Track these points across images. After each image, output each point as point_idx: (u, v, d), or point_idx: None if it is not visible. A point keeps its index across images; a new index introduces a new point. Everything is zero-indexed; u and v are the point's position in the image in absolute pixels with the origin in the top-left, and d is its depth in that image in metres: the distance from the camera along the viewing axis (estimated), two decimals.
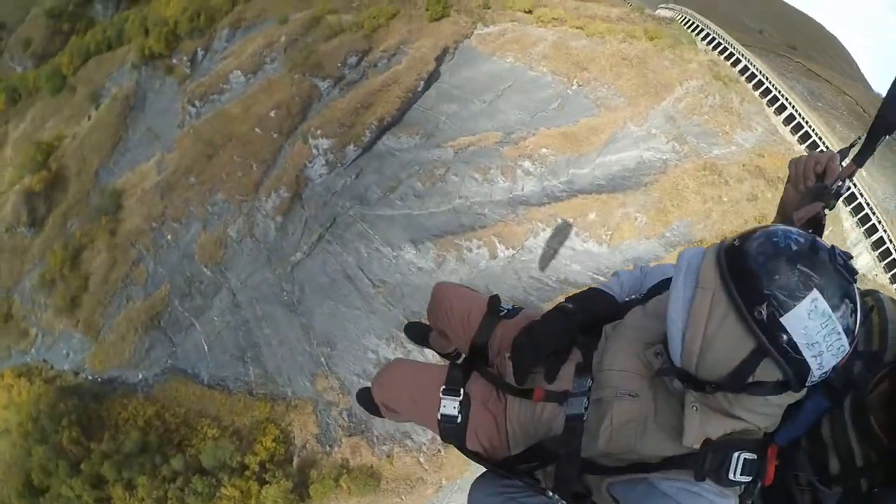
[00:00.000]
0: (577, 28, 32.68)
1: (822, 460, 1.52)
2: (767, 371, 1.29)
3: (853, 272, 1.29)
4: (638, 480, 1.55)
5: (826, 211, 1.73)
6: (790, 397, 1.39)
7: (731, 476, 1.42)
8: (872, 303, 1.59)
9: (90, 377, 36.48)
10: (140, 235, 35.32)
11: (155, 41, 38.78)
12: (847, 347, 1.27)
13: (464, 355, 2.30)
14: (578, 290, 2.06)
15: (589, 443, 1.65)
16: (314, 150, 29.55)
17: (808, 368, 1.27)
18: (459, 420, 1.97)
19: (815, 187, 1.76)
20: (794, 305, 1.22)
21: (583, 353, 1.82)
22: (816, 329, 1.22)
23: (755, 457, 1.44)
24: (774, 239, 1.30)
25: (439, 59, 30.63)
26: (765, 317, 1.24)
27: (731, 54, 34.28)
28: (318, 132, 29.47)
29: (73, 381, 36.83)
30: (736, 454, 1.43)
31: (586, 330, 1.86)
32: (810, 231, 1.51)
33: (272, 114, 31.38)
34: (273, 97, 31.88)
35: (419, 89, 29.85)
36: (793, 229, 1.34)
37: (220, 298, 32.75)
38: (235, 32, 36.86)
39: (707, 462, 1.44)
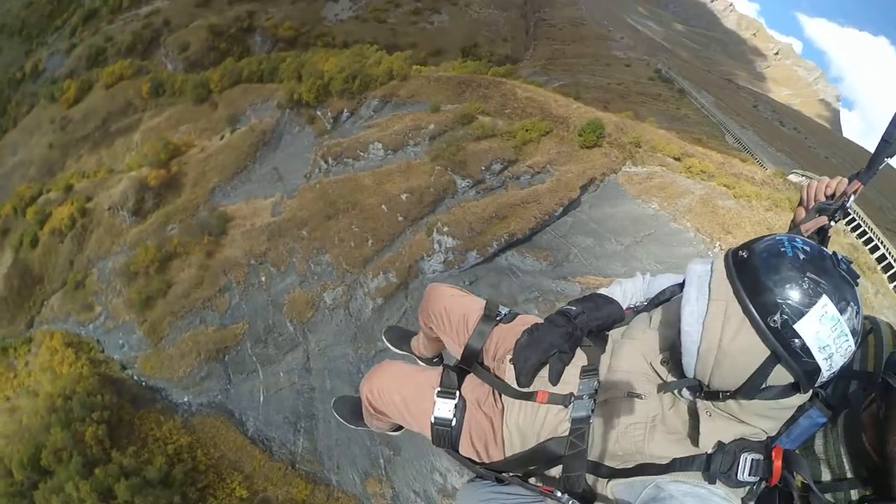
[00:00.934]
0: (725, 186, 31.69)
1: (814, 473, 1.54)
2: (780, 375, 1.37)
3: (855, 276, 1.38)
4: (644, 482, 1.55)
5: (832, 224, 1.82)
6: (798, 399, 1.46)
7: (739, 476, 1.47)
8: (870, 325, 1.64)
9: (136, 377, 35.79)
10: (235, 267, 35.44)
11: (306, 90, 40.46)
12: (853, 347, 1.35)
13: (455, 359, 2.22)
14: (589, 294, 2.04)
15: (595, 444, 1.67)
16: (436, 246, 29.20)
17: (819, 370, 1.35)
18: (454, 423, 1.97)
19: (820, 204, 1.86)
20: (807, 312, 1.31)
21: (588, 356, 1.86)
22: (827, 333, 1.31)
23: (761, 457, 1.49)
24: (782, 248, 1.39)
25: (583, 189, 30.21)
26: (779, 325, 1.32)
27: (870, 239, 32.62)
28: (445, 229, 29.20)
29: (118, 374, 36.12)
30: (744, 455, 1.48)
31: (590, 333, 1.89)
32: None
33: (403, 196, 31.50)
34: (408, 180, 32.15)
35: (557, 213, 29.33)
36: (797, 237, 1.43)
37: (293, 357, 31.93)
38: (385, 105, 38.00)
39: (717, 463, 1.49)
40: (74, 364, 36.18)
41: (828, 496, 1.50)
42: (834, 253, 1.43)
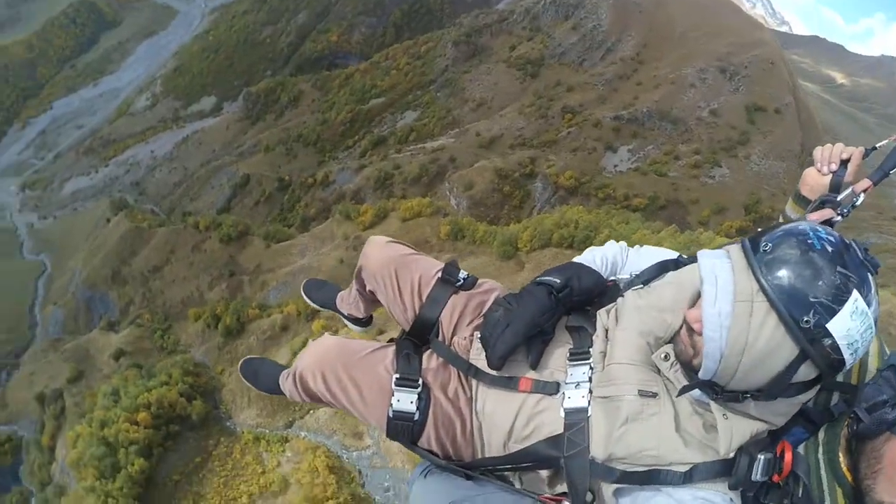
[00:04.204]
0: None
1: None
2: (805, 372, 1.28)
3: (876, 265, 1.30)
4: (649, 490, 1.43)
5: (839, 218, 1.71)
6: (813, 393, 1.40)
7: (754, 477, 1.38)
8: None
9: None
10: None
11: None
12: (875, 332, 1.28)
13: (402, 329, 1.97)
14: (564, 263, 1.81)
15: (597, 443, 1.49)
16: None
17: (844, 364, 1.26)
18: (417, 417, 1.69)
19: (825, 196, 1.76)
20: (839, 310, 1.21)
21: (573, 336, 1.66)
22: (857, 328, 1.22)
23: (772, 455, 1.40)
24: (809, 241, 1.26)
25: None
26: (812, 325, 1.21)
27: None
28: None
29: None
30: (761, 456, 1.39)
31: (573, 310, 1.71)
32: None
33: None
34: None
35: None
36: (819, 227, 1.31)
37: None
38: None
39: (742, 469, 1.38)
40: (335, 496, 32.44)
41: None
42: (854, 241, 1.30)
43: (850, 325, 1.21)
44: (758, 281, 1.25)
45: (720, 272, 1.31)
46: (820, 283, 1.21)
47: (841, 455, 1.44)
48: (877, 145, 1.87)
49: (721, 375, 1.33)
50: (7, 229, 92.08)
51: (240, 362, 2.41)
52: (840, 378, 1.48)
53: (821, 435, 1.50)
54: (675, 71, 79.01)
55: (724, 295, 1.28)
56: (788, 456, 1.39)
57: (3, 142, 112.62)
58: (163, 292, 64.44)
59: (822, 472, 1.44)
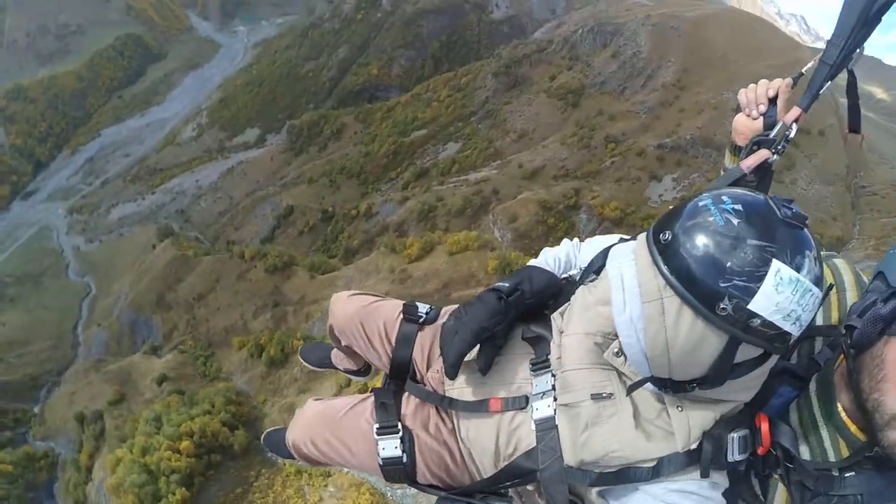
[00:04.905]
0: None
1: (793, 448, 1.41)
2: (747, 352, 1.20)
3: (803, 218, 1.18)
4: (629, 489, 1.43)
5: (775, 156, 1.65)
6: (774, 361, 1.29)
7: (730, 458, 1.35)
8: (830, 278, 1.48)
9: None
10: None
11: None
12: (820, 297, 1.17)
13: (384, 374, 2.02)
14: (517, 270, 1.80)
15: (567, 450, 1.49)
16: None
17: (789, 334, 1.16)
18: (405, 459, 1.75)
19: (757, 136, 1.67)
20: (758, 287, 1.10)
21: (533, 346, 1.66)
22: (787, 298, 1.11)
23: (748, 431, 1.37)
24: (710, 218, 1.15)
25: None
26: (730, 310, 1.12)
27: None
28: None
29: None
30: (731, 436, 1.35)
31: (528, 313, 1.69)
32: (756, 180, 1.61)
33: None
34: None
35: None
36: (723, 194, 1.19)
37: None
38: None
39: (707, 455, 1.35)
40: None
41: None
42: (772, 198, 1.20)
43: (777, 300, 1.10)
44: (662, 276, 1.16)
45: (625, 273, 1.24)
46: (729, 263, 1.10)
47: (840, 404, 1.33)
48: (803, 70, 1.71)
49: (657, 372, 1.27)
50: (54, 251, 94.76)
51: (262, 437, 2.50)
52: (819, 321, 1.41)
53: (812, 387, 1.40)
54: (717, 95, 77.80)
55: (631, 298, 1.21)
56: (765, 427, 1.35)
57: (53, 167, 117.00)
58: (207, 320, 64.91)
59: (821, 428, 1.37)
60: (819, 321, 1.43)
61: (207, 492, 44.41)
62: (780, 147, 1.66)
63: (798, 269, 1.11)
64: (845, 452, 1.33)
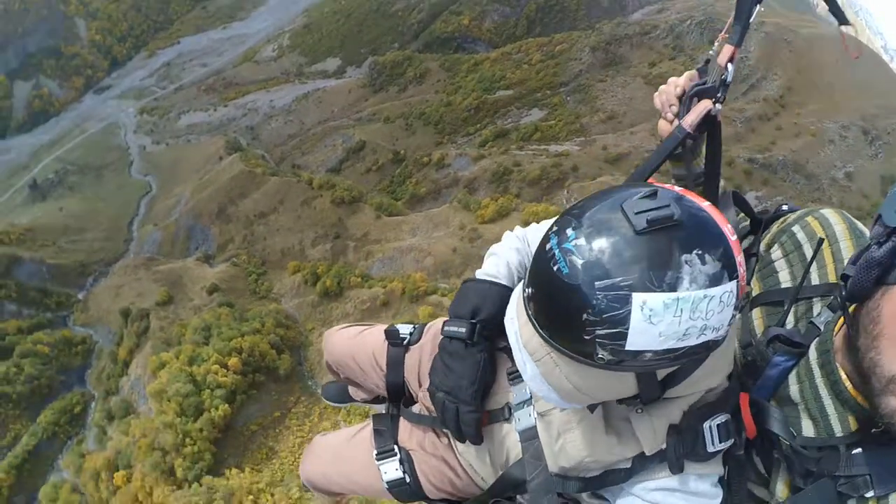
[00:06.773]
0: None
1: (793, 423, 1.28)
2: (669, 367, 1.09)
3: (667, 218, 0.97)
4: (616, 490, 1.40)
5: (718, 106, 1.51)
6: (720, 349, 1.09)
7: (710, 448, 1.24)
8: (820, 231, 1.35)
9: None
10: None
11: None
12: (728, 289, 0.98)
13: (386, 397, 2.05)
14: (461, 287, 1.66)
15: (550, 458, 1.47)
16: None
17: (706, 342, 1.00)
18: (409, 479, 1.78)
19: (695, 87, 1.53)
20: (626, 329, 0.96)
21: (508, 355, 1.58)
22: (672, 322, 0.95)
23: (728, 416, 1.26)
24: (554, 267, 1.00)
25: None
26: (608, 358, 1.00)
27: None
28: None
29: None
30: (706, 425, 1.24)
31: (494, 335, 1.59)
32: (705, 133, 1.53)
33: None
34: None
35: None
36: (568, 224, 1.03)
37: None
38: None
39: (677, 451, 1.25)
40: None
41: (812, 452, 1.21)
42: (621, 206, 0.99)
43: (658, 330, 0.95)
44: (538, 333, 1.10)
45: (512, 332, 1.19)
46: (584, 315, 0.97)
47: (843, 371, 1.17)
48: (709, 53, 1.59)
49: (585, 404, 1.24)
50: (119, 147, 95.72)
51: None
52: (815, 280, 1.30)
53: (812, 354, 1.25)
54: (818, 122, 72.32)
55: (524, 357, 1.16)
56: (745, 409, 1.27)
57: (129, 66, 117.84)
58: (265, 238, 64.14)
59: (824, 399, 1.21)
60: (815, 280, 1.30)
61: (247, 410, 44.06)
62: (720, 96, 1.51)
63: (673, 288, 0.94)
64: (853, 426, 1.17)
